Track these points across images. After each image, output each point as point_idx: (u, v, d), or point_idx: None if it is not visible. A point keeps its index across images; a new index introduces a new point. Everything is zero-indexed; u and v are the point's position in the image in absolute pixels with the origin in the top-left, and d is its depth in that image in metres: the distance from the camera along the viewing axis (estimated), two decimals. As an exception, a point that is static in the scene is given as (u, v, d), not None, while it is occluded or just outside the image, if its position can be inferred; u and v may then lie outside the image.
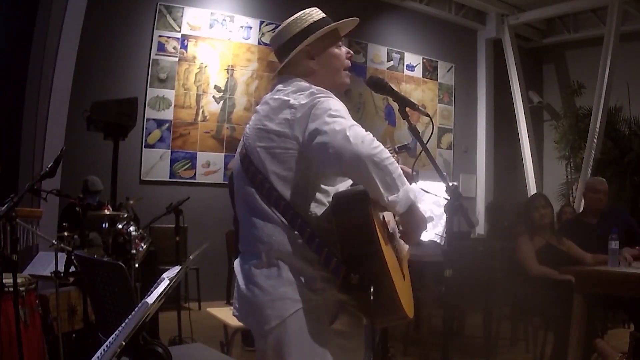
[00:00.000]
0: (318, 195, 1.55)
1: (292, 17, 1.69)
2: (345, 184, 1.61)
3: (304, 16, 1.68)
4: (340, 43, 1.72)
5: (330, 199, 1.55)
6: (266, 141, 1.55)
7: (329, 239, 1.48)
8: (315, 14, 1.69)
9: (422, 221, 1.54)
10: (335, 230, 1.48)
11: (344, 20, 1.70)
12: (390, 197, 1.45)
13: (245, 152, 1.60)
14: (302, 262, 1.51)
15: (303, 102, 1.52)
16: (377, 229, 1.47)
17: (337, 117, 1.48)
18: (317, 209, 1.54)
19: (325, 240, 1.48)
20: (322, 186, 1.56)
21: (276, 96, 1.59)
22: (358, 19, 1.72)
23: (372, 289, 1.41)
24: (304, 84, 1.60)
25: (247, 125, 1.66)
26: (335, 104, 1.52)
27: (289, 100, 1.54)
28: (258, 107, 1.65)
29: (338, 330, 1.55)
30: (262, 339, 1.56)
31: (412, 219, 1.52)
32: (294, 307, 1.50)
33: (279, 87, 1.63)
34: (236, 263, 1.65)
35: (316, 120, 1.48)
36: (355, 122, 1.49)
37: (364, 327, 1.63)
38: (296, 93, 1.56)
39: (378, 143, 1.45)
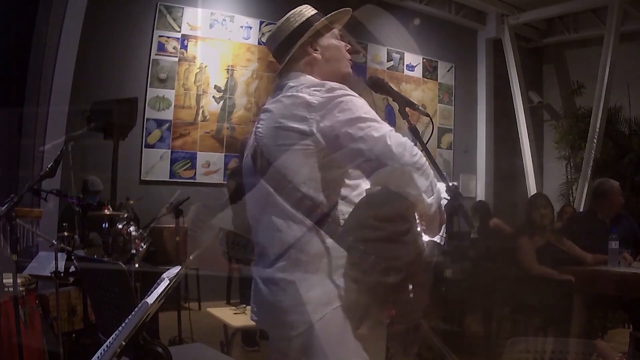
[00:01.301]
0: (343, 191, 1.51)
1: (286, 16, 1.67)
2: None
3: (299, 11, 1.67)
4: (337, 35, 1.71)
5: (355, 194, 1.51)
6: (284, 139, 1.50)
7: (359, 237, 1.41)
8: (310, 9, 1.69)
9: (444, 216, 1.55)
10: (372, 227, 1.42)
11: (340, 10, 1.69)
12: (429, 200, 1.44)
13: (261, 152, 1.55)
14: (329, 263, 1.46)
15: (322, 99, 1.48)
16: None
17: (370, 120, 1.44)
18: (343, 206, 1.49)
19: (356, 238, 1.41)
20: (346, 181, 1.52)
21: (289, 93, 1.55)
22: (350, 9, 1.71)
23: (410, 287, 1.38)
24: (316, 79, 1.58)
25: (258, 125, 1.60)
26: (361, 104, 1.48)
27: (305, 96, 1.50)
28: (269, 105, 1.60)
29: (363, 334, 1.50)
30: (285, 343, 1.52)
31: (437, 217, 1.53)
32: (321, 312, 1.45)
33: (290, 84, 1.59)
34: (254, 265, 1.61)
35: (347, 125, 1.43)
36: (389, 125, 1.45)
37: (385, 329, 1.59)
38: (310, 88, 1.52)
39: (416, 148, 1.43)
